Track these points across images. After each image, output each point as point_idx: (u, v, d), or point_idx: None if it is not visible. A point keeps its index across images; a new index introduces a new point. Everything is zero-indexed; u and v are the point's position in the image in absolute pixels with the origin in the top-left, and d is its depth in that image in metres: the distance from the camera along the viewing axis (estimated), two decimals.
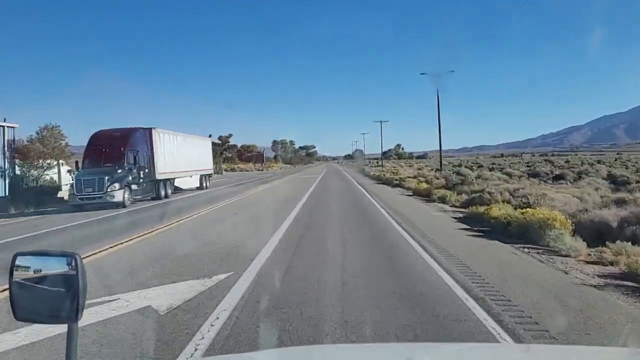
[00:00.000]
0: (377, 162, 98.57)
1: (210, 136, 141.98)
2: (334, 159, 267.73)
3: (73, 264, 1.33)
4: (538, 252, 8.23)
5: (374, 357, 1.98)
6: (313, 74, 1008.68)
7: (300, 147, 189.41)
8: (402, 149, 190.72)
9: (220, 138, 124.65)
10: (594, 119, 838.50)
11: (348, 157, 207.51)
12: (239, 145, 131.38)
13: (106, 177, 18.42)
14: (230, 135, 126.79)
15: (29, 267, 1.36)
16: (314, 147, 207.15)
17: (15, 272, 1.34)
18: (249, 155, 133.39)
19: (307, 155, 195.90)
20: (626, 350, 2.63)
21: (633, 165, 51.01)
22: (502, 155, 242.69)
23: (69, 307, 1.30)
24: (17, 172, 23.62)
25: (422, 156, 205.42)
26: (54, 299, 1.32)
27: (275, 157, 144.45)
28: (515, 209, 11.91)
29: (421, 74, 38.67)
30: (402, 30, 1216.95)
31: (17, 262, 1.36)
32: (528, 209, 10.76)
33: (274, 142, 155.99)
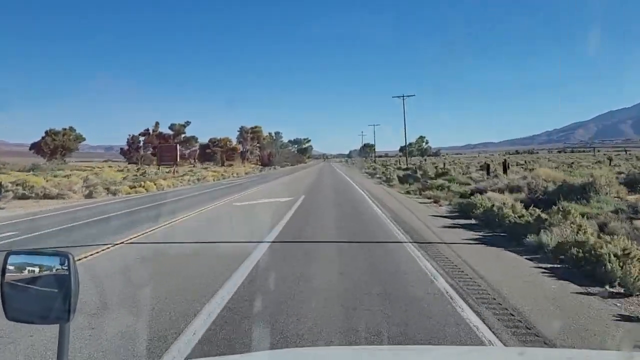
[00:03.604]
0: (410, 163, 58.81)
1: (157, 124, 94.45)
2: (335, 157, 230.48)
3: (66, 263, 1.29)
4: None
5: None
6: (313, 64, 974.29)
7: (290, 141, 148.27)
8: (427, 143, 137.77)
9: (171, 127, 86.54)
10: (599, 115, 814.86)
11: (350, 154, 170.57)
12: (204, 139, 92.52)
13: None
14: (188, 123, 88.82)
15: (21, 267, 1.31)
16: (309, 141, 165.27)
17: (7, 272, 1.30)
18: (216, 151, 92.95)
19: (299, 152, 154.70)
20: (623, 354, 2.15)
21: None
22: (517, 152, 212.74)
23: (61, 308, 1.26)
24: None
25: (435, 154, 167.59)
26: (46, 299, 1.28)
27: (242, 154, 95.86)
28: None
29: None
30: (405, 27, 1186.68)
31: (9, 261, 1.31)
32: None
33: (241, 130, 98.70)
